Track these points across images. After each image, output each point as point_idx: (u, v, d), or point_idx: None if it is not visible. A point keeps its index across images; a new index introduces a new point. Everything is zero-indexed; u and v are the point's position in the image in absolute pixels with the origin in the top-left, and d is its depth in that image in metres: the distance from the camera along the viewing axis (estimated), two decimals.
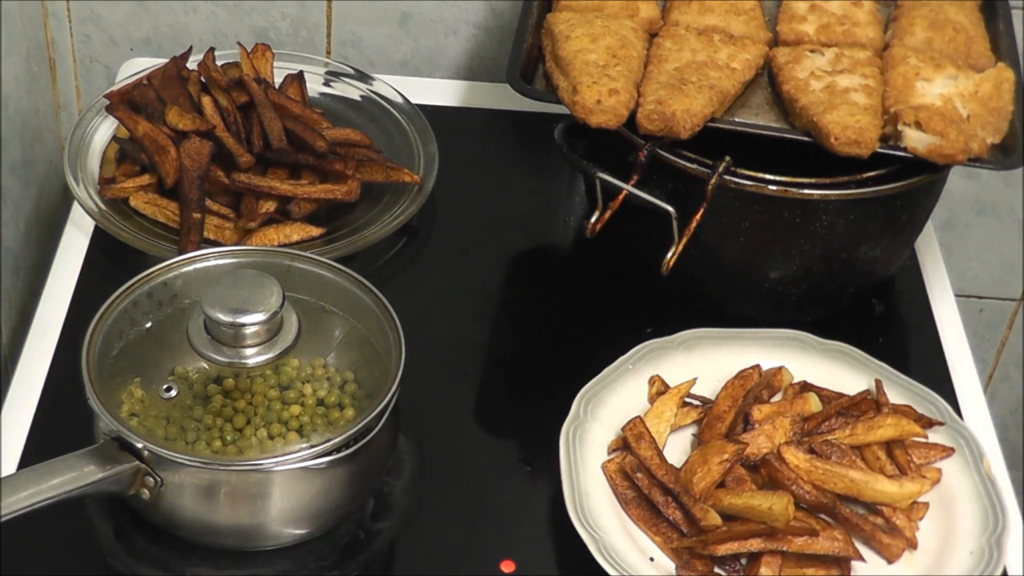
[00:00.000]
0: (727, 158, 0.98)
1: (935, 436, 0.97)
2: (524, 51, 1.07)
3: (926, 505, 0.94)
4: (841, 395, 0.99)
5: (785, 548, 0.88)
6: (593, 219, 1.02)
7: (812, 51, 1.07)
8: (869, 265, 1.07)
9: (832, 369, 1.02)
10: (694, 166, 0.98)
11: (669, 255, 0.99)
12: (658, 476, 0.91)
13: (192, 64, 1.17)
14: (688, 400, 0.99)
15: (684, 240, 0.98)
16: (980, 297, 1.51)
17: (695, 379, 0.99)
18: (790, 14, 1.12)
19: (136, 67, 1.22)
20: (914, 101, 1.01)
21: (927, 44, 1.08)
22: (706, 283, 1.06)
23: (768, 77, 1.07)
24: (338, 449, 0.84)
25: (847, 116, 0.98)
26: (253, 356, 0.88)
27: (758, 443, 0.93)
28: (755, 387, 0.98)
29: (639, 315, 1.07)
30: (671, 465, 0.92)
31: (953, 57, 1.07)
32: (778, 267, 1.04)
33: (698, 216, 0.98)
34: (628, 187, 0.99)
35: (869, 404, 0.98)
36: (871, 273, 1.09)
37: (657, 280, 1.00)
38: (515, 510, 0.94)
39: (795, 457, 0.92)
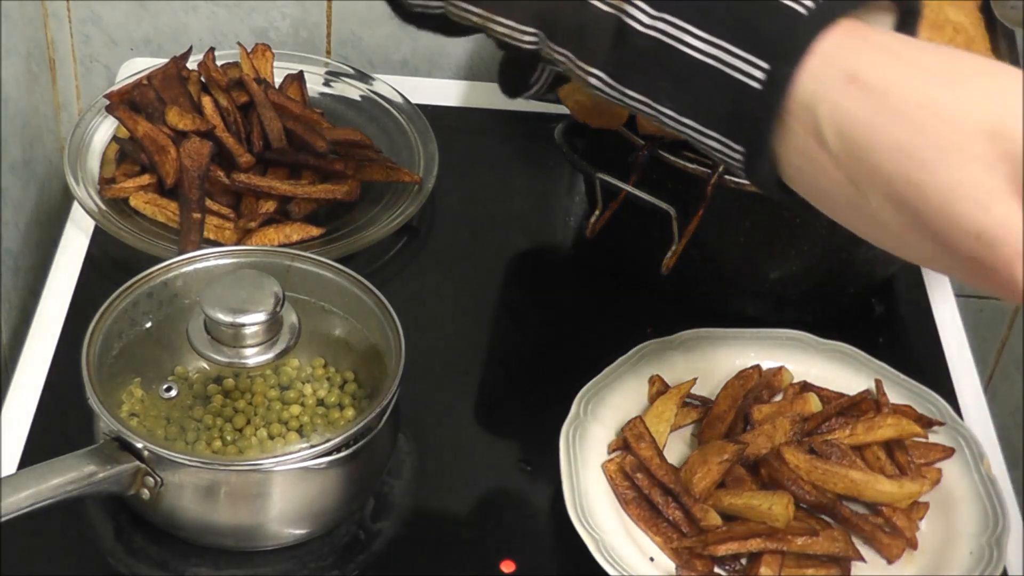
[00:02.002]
0: None
1: (935, 436, 0.97)
2: None
3: (926, 505, 0.94)
4: (841, 395, 0.99)
5: (785, 548, 0.88)
6: (593, 219, 1.02)
7: None
8: (869, 265, 1.07)
9: (832, 369, 1.02)
10: (694, 166, 0.98)
11: (668, 255, 0.99)
12: (658, 476, 0.91)
13: (192, 64, 1.17)
14: (688, 400, 0.99)
15: (684, 240, 0.98)
16: (980, 297, 1.51)
17: (695, 379, 0.99)
18: None
19: (136, 67, 1.22)
20: None
21: None
22: (706, 283, 1.06)
23: None
24: (338, 449, 0.84)
25: None
26: (253, 356, 0.88)
27: (758, 443, 0.93)
28: (755, 387, 0.98)
29: (639, 315, 1.07)
30: (671, 465, 0.92)
31: None
32: (778, 267, 1.04)
33: (698, 216, 0.98)
34: (628, 187, 0.99)
35: (869, 404, 0.98)
36: (870, 273, 1.09)
37: (657, 280, 1.00)
38: (515, 510, 0.94)
39: (795, 457, 0.92)
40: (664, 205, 0.97)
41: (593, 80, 0.68)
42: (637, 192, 0.99)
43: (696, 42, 0.63)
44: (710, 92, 0.64)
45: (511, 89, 0.81)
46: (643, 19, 0.65)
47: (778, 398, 1.00)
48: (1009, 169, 0.57)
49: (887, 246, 0.64)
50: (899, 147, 0.59)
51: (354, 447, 0.85)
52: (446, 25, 0.77)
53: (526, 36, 0.71)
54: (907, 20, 0.67)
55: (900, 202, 0.60)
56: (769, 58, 0.62)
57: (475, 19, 0.74)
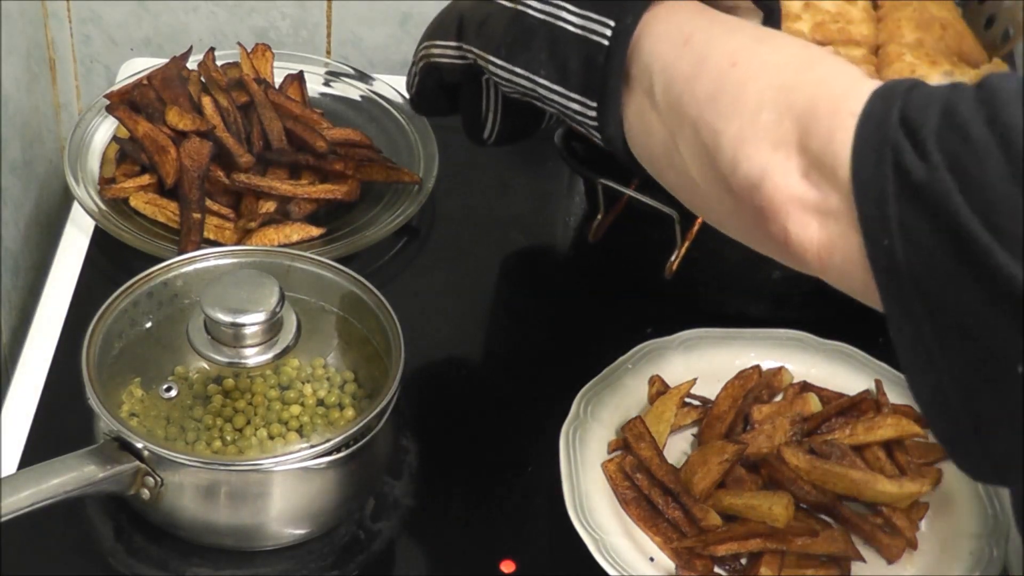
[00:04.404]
0: None
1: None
2: None
3: (926, 505, 0.94)
4: (841, 395, 0.99)
5: (785, 548, 0.88)
6: (595, 224, 1.01)
7: None
8: None
9: (832, 369, 1.02)
10: None
11: (672, 258, 0.98)
12: (658, 476, 0.91)
13: (192, 64, 1.17)
14: (688, 400, 0.99)
15: (687, 243, 0.98)
16: None
17: (695, 379, 0.99)
18: (784, 12, 1.11)
19: (136, 67, 1.22)
20: None
21: (919, 44, 1.08)
22: (709, 284, 1.06)
23: None
24: (338, 449, 0.84)
25: None
26: (253, 356, 0.88)
27: (758, 443, 0.93)
28: (755, 387, 0.98)
29: (639, 315, 1.07)
30: (671, 465, 0.92)
31: (947, 53, 1.07)
32: (782, 266, 1.04)
33: (699, 219, 0.98)
34: (631, 192, 0.99)
35: (869, 404, 0.98)
36: None
37: (657, 281, 1.00)
38: (515, 510, 0.94)
39: (795, 457, 0.92)
40: (667, 209, 0.97)
41: (492, 66, 0.79)
42: (640, 196, 0.98)
43: (572, 17, 0.75)
44: (575, 56, 0.74)
45: (473, 136, 0.91)
46: (533, 4, 0.77)
47: (778, 398, 1.00)
48: (791, 123, 0.62)
49: (699, 206, 0.71)
50: (709, 98, 0.65)
51: (354, 447, 0.85)
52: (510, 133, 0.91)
53: (454, 51, 0.84)
54: (770, 20, 0.78)
55: (703, 150, 0.66)
56: (615, 16, 0.72)
57: (422, 51, 0.87)
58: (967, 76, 1.03)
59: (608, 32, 0.72)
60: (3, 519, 0.79)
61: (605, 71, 0.72)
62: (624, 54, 0.72)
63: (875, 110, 0.59)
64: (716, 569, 0.89)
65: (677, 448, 0.97)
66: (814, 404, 0.97)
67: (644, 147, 0.73)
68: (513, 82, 0.79)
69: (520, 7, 0.78)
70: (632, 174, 0.99)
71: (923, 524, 0.93)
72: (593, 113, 0.74)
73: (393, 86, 1.23)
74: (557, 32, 0.75)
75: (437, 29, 0.86)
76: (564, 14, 0.75)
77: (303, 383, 0.90)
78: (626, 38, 0.72)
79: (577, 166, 1.02)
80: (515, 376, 1.05)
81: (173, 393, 0.88)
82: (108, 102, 1.13)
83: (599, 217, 1.02)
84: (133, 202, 1.09)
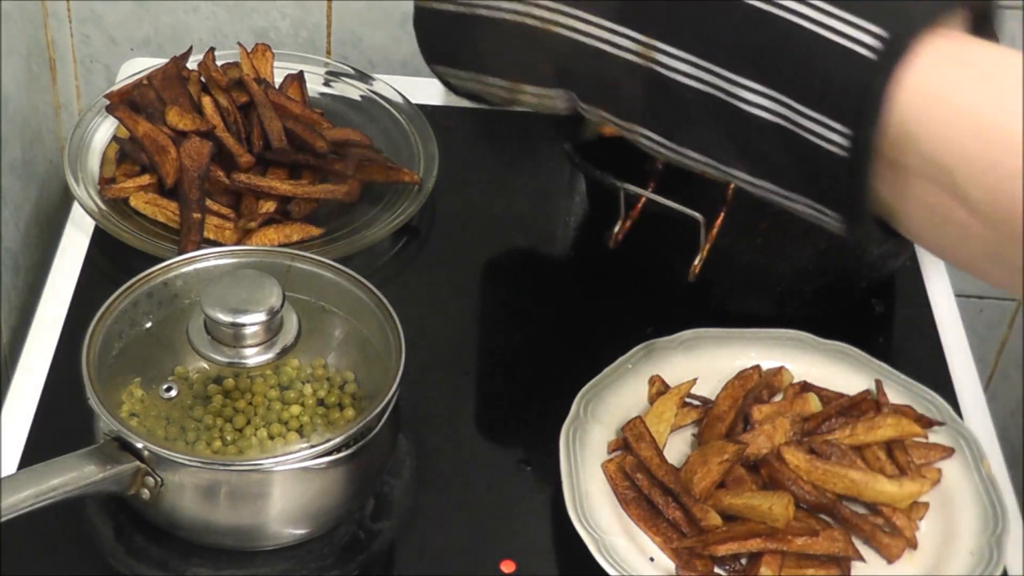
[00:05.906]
0: None
1: (935, 436, 0.97)
2: None
3: (926, 505, 0.94)
4: (841, 395, 0.99)
5: (785, 548, 0.88)
6: (616, 229, 1.00)
7: None
8: (882, 258, 1.07)
9: (832, 369, 1.02)
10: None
11: (696, 261, 0.97)
12: (658, 476, 0.91)
13: (192, 64, 1.17)
14: (688, 400, 0.99)
15: (708, 245, 0.97)
16: (980, 297, 1.51)
17: (695, 379, 0.99)
18: None
19: (136, 67, 1.22)
20: None
21: None
22: (709, 285, 1.05)
23: None
24: (338, 449, 0.84)
25: None
26: (253, 356, 0.88)
27: (758, 443, 0.93)
28: (755, 387, 0.98)
29: (639, 315, 1.07)
30: (671, 465, 0.92)
31: None
32: (795, 265, 1.04)
33: (719, 220, 0.97)
34: (655, 196, 0.98)
35: (869, 404, 0.98)
36: (883, 266, 1.09)
37: (657, 281, 1.00)
38: (515, 510, 0.94)
39: (795, 457, 0.92)
40: (692, 212, 0.96)
41: (643, 140, 0.61)
42: (663, 200, 0.97)
43: (751, 95, 0.55)
44: (783, 155, 0.55)
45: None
46: (679, 67, 0.57)
47: (778, 398, 1.00)
48: None
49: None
50: None
51: (354, 447, 0.85)
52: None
53: (558, 101, 0.65)
54: (983, 24, 0.57)
55: None
56: (846, 119, 0.53)
57: (502, 92, 0.68)
58: None
59: (841, 140, 0.53)
60: (3, 519, 0.79)
61: (855, 190, 0.54)
62: (870, 165, 0.53)
63: None
64: (716, 569, 0.89)
65: (677, 448, 0.97)
66: (814, 404, 0.97)
67: (940, 239, 0.56)
68: (690, 165, 0.60)
69: (657, 67, 0.57)
70: (649, 176, 0.99)
71: (923, 524, 0.93)
72: (834, 221, 0.57)
73: (393, 86, 1.23)
74: (734, 113, 0.55)
75: (516, 67, 0.66)
76: (736, 89, 0.55)
77: (303, 383, 0.90)
78: (870, 149, 0.53)
79: (597, 175, 1.01)
80: (515, 376, 1.05)
81: (173, 393, 0.88)
82: (108, 102, 1.13)
83: (620, 223, 1.01)
84: (133, 202, 1.09)
